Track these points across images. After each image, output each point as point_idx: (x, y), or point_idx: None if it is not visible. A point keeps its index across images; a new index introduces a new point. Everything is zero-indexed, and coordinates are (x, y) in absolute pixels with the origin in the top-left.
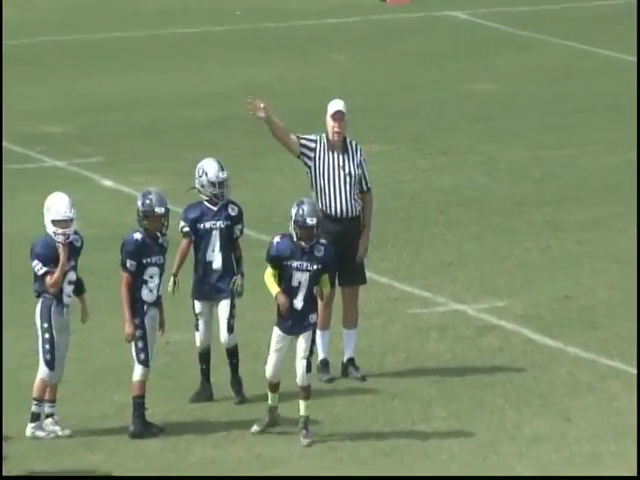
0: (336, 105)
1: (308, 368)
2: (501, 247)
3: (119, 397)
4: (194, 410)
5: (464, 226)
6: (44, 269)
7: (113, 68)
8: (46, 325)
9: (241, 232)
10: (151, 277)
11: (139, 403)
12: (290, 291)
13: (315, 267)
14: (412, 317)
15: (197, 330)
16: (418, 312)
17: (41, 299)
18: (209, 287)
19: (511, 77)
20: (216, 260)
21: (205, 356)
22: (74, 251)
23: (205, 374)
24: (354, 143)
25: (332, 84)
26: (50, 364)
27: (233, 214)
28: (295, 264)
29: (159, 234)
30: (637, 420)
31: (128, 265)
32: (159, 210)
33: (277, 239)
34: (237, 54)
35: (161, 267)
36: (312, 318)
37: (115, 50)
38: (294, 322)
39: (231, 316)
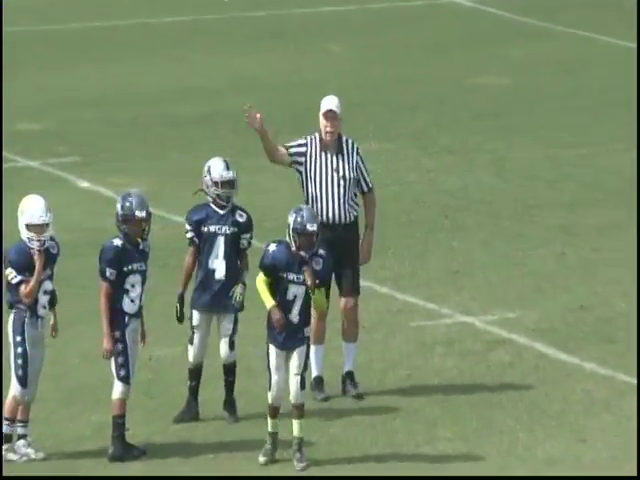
0: (329, 103)
1: (302, 385)
2: (511, 254)
3: (97, 417)
4: (179, 431)
5: (471, 231)
6: (18, 277)
7: (91, 60)
8: (19, 339)
9: (249, 243)
10: (132, 286)
11: (119, 423)
12: (285, 305)
13: None
14: (415, 330)
15: (191, 344)
16: (422, 325)
17: (14, 310)
18: (210, 297)
19: (521, 69)
20: (219, 269)
21: (196, 373)
22: (50, 259)
23: (193, 392)
24: (350, 142)
25: (327, 77)
26: (23, 381)
27: (241, 220)
28: (291, 277)
29: (140, 239)
30: (637, 421)
31: (108, 274)
32: (140, 214)
33: (273, 247)
34: (225, 44)
35: (143, 275)
36: (306, 331)
37: (93, 40)
38: (288, 336)
39: (233, 332)
